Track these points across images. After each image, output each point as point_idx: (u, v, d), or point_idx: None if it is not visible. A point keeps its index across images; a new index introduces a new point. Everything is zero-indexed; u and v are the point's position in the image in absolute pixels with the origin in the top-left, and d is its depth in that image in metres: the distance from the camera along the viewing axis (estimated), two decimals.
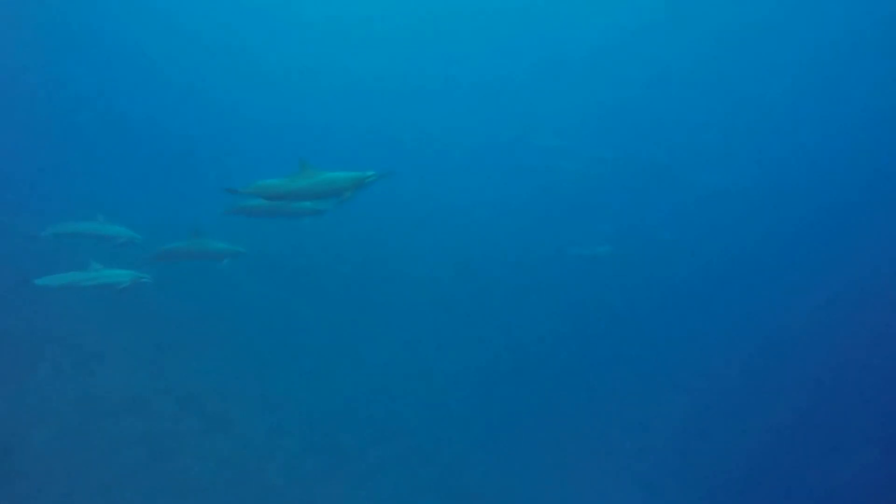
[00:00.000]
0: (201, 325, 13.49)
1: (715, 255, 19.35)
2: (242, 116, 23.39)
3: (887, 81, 24.28)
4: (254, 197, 9.07)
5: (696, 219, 20.34)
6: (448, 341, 15.24)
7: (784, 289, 18.43)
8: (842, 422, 14.73)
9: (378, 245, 16.91)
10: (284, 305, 14.81)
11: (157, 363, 12.48)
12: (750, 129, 23.84)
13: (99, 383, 11.70)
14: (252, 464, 11.57)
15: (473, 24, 27.54)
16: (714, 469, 13.79)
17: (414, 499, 12.01)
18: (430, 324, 15.45)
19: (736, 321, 17.46)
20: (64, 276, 9.47)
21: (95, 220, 11.05)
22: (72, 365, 11.85)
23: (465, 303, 16.43)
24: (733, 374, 16.04)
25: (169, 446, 11.28)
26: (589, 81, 25.38)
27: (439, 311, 15.88)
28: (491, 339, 15.76)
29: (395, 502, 11.84)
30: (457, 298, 16.45)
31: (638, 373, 15.71)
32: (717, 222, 20.39)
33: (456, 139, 22.31)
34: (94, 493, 10.25)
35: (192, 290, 13.37)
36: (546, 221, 19.14)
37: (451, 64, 26.66)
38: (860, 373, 15.66)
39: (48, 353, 11.84)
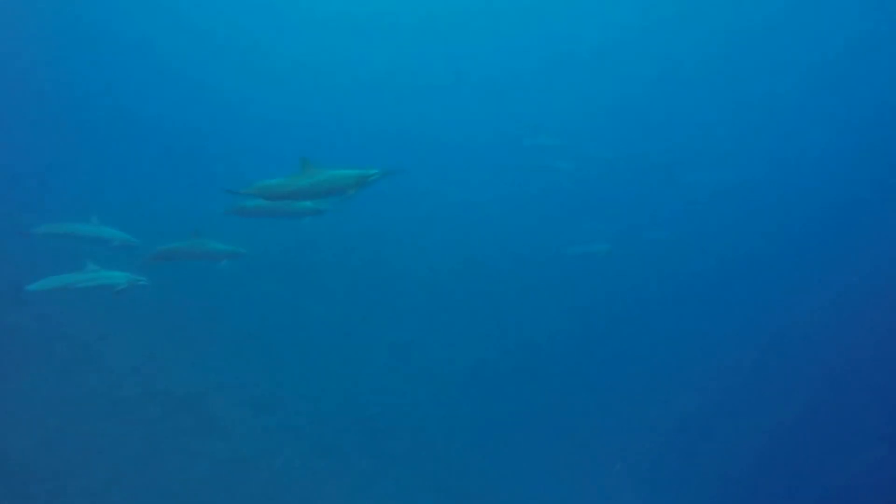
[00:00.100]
0: (201, 325, 13.50)
1: (720, 253, 19.26)
2: (250, 113, 23.46)
3: (894, 80, 24.06)
4: (254, 197, 9.08)
5: (702, 217, 20.24)
6: (449, 340, 15.20)
7: (791, 286, 18.33)
8: (849, 419, 14.66)
9: (380, 243, 16.92)
10: (286, 304, 14.80)
11: (157, 363, 12.50)
12: (754, 128, 23.71)
13: (99, 383, 11.74)
14: (252, 464, 11.56)
15: (477, 23, 27.55)
16: (720, 467, 13.76)
17: (414, 499, 11.97)
18: (431, 323, 15.40)
19: (742, 319, 17.38)
20: (59, 277, 9.30)
21: (89, 221, 11.00)
22: (71, 364, 11.88)
23: (468, 301, 16.39)
24: (739, 373, 15.98)
25: (169, 446, 11.28)
26: (592, 81, 25.32)
27: (441, 309, 15.84)
28: (494, 337, 15.72)
29: (395, 502, 11.81)
30: (459, 297, 16.42)
31: (642, 372, 15.67)
32: (723, 220, 20.30)
33: (461, 137, 22.29)
34: (93, 493, 10.29)
35: (191, 290, 13.36)
36: (549, 220, 19.08)
37: (456, 62, 26.67)
38: (867, 370, 15.57)
39: (47, 352, 11.87)
